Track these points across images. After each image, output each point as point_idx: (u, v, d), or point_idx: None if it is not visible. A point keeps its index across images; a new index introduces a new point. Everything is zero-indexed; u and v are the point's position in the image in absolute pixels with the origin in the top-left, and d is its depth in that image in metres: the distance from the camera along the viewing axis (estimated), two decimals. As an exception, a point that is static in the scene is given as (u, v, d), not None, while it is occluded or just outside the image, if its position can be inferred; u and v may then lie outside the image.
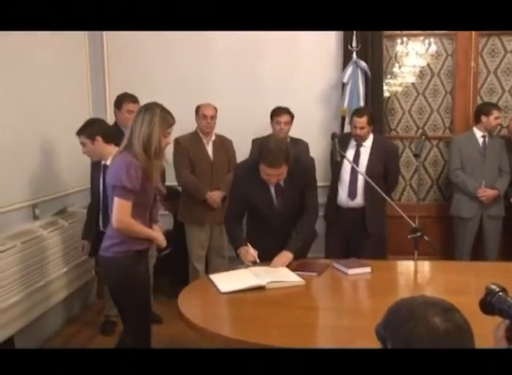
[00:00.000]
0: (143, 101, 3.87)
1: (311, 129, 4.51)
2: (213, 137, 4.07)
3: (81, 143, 3.12)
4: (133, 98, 3.74)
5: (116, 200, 2.43)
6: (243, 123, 4.45)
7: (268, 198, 2.92)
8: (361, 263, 2.88)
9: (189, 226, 4.10)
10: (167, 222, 4.57)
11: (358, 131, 3.75)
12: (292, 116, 4.08)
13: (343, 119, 4.39)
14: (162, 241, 2.66)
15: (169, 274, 4.45)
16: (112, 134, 3.15)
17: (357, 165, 3.66)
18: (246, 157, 3.75)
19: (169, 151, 4.00)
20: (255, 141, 4.11)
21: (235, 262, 3.08)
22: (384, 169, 3.80)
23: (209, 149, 4.05)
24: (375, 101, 4.46)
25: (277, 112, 4.06)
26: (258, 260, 2.81)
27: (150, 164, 2.44)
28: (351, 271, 2.79)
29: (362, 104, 4.33)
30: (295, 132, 4.18)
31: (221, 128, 4.12)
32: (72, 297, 3.96)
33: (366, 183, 3.65)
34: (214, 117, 4.01)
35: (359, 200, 3.77)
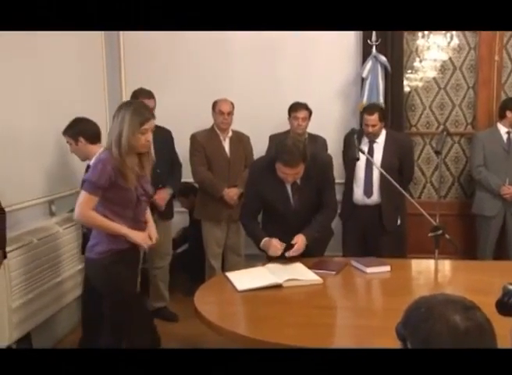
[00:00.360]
0: (160, 98, 3.91)
1: (329, 125, 4.47)
2: (230, 134, 4.07)
3: (67, 142, 3.18)
4: (148, 94, 3.74)
5: (81, 193, 2.48)
6: (260, 119, 4.43)
7: (285, 195, 2.92)
8: (380, 262, 2.87)
9: (205, 223, 4.11)
10: (184, 219, 4.60)
11: (370, 129, 3.73)
12: (310, 112, 4.03)
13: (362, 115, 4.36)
14: (138, 239, 2.55)
15: (186, 272, 4.48)
16: (96, 134, 3.16)
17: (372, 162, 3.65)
18: (263, 153, 3.75)
19: (185, 148, 4.02)
20: (272, 138, 4.11)
21: (251, 260, 3.08)
22: (399, 164, 3.78)
23: (226, 145, 4.03)
24: (395, 96, 4.42)
25: (295, 107, 4.02)
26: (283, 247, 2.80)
27: (123, 162, 2.43)
28: (370, 269, 2.78)
29: (382, 99, 4.29)
30: (313, 128, 4.13)
31: (238, 124, 4.11)
32: (88, 294, 3.99)
33: (382, 179, 3.65)
34: (231, 113, 4.01)
35: (375, 197, 3.75)
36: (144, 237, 2.60)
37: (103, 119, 4.19)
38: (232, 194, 3.98)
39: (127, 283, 2.60)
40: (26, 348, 3.09)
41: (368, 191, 3.76)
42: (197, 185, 4.21)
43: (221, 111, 3.97)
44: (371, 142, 3.80)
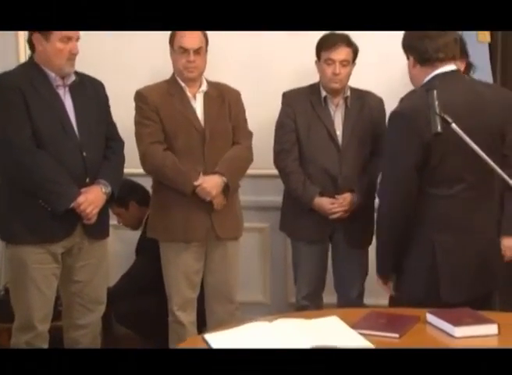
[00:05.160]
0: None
1: (389, 75, 4.53)
2: (204, 87, 4.10)
3: None
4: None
5: None
6: (264, 67, 4.59)
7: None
8: (479, 317, 2.85)
9: (167, 246, 4.09)
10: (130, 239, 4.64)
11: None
12: (354, 51, 4.09)
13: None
14: None
15: (134, 332, 4.56)
16: None
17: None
18: (271, 122, 3.71)
19: (127, 115, 4.03)
20: (287, 97, 4.23)
21: (250, 312, 3.03)
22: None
23: (198, 107, 4.07)
24: None
25: (328, 42, 4.06)
26: None
27: None
28: (460, 331, 2.75)
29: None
30: (360, 81, 4.22)
31: (226, 76, 4.18)
32: None
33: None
34: (201, 51, 3.97)
35: None
36: None
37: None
38: (210, 184, 3.92)
39: None
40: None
41: None
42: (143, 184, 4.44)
43: (182, 47, 3.94)
44: None
